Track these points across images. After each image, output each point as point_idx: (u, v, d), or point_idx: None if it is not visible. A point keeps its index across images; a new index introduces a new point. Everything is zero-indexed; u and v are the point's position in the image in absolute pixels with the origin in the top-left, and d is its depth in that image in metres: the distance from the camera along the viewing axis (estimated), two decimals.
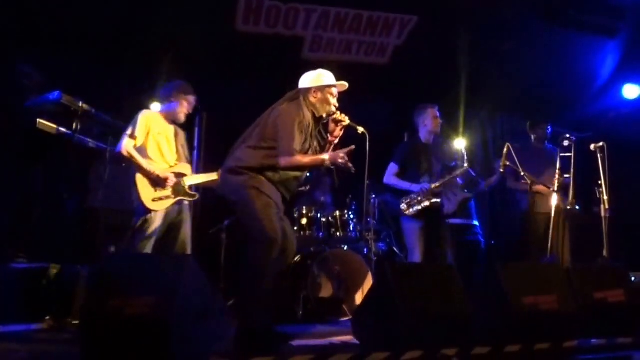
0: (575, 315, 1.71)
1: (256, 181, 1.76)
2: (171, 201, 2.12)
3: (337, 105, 1.90)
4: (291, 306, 2.58)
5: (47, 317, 2.06)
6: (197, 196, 2.23)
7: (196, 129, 3.57)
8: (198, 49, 3.27)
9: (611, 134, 3.35)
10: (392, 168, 2.60)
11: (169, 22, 3.07)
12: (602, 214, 2.76)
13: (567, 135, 2.69)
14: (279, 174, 1.80)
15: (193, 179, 2.20)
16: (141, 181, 2.10)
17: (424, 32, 3.46)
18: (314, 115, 1.86)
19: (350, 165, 1.80)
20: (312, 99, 1.87)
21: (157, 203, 2.08)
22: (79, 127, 2.43)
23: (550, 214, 2.64)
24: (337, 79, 1.93)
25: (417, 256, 2.46)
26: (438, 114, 2.61)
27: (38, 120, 2.46)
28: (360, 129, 1.87)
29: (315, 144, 1.89)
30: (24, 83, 2.63)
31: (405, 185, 2.52)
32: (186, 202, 2.24)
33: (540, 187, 2.69)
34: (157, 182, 2.10)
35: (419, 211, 2.46)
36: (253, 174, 1.78)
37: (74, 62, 3.22)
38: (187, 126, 3.50)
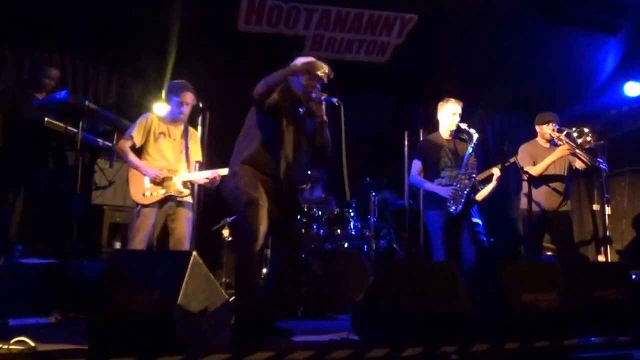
0: (575, 313, 1.71)
1: (239, 174, 1.78)
2: (160, 196, 2.19)
3: (313, 84, 1.85)
4: (292, 302, 2.61)
5: (54, 312, 2.10)
6: (188, 193, 2.28)
7: (199, 128, 3.61)
8: (201, 49, 3.30)
9: (612, 132, 3.35)
10: (416, 165, 2.50)
11: (172, 22, 3.10)
12: (604, 211, 2.76)
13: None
14: (255, 152, 1.79)
15: (184, 176, 2.27)
16: (132, 177, 2.24)
17: (424, 31, 3.47)
18: (292, 99, 1.85)
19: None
20: (294, 85, 1.88)
21: (145, 197, 2.18)
22: (85, 125, 2.48)
23: (548, 211, 2.62)
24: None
25: (441, 254, 2.37)
26: (453, 109, 2.45)
27: (46, 119, 2.51)
28: (335, 99, 1.83)
29: (297, 127, 1.86)
30: (44, 81, 2.68)
31: (430, 187, 2.43)
32: (188, 200, 2.29)
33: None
34: (149, 178, 2.20)
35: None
36: (236, 166, 1.81)
37: (80, 62, 3.26)
38: (190, 125, 3.55)
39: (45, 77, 2.69)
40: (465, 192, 2.32)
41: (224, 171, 2.22)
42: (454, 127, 2.46)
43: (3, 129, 2.63)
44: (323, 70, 1.86)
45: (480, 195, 2.54)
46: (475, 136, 2.35)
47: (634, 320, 1.83)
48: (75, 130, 2.54)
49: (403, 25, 3.47)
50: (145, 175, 2.20)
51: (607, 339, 1.69)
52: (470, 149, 2.37)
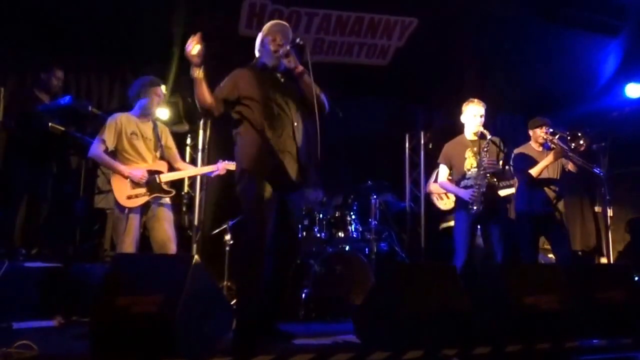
0: (577, 315, 1.71)
1: (244, 168, 1.72)
2: (146, 198, 2.16)
3: (279, 43, 1.80)
4: (293, 305, 2.60)
5: (58, 315, 2.11)
6: (173, 192, 2.25)
7: (201, 132, 3.64)
8: (202, 53, 3.31)
9: (614, 134, 3.34)
10: (443, 170, 2.50)
11: (173, 27, 3.12)
12: (606, 213, 2.75)
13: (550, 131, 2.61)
14: (253, 130, 1.72)
15: (168, 176, 2.24)
16: (115, 180, 2.17)
17: (424, 34, 3.48)
18: (267, 74, 1.80)
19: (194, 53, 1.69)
20: (261, 58, 1.83)
21: (131, 200, 2.14)
22: (88, 130, 2.49)
23: (543, 214, 2.61)
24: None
25: (462, 257, 2.30)
26: (475, 111, 2.41)
27: (50, 123, 2.53)
28: (297, 39, 1.78)
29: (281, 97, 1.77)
30: (52, 82, 2.71)
31: (454, 190, 2.43)
32: (167, 202, 2.25)
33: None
34: (132, 180, 2.14)
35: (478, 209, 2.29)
36: (243, 164, 1.75)
37: (83, 67, 3.30)
38: (193, 128, 3.57)
39: (53, 78, 2.71)
40: (482, 190, 2.31)
41: (232, 165, 2.19)
42: (477, 129, 2.42)
43: (6, 133, 2.65)
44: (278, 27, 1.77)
45: (503, 193, 2.51)
46: (488, 137, 2.37)
47: (637, 323, 1.81)
48: (79, 135, 2.57)
49: (404, 29, 3.49)
50: (129, 177, 2.13)
51: (610, 342, 1.68)
52: (484, 149, 2.37)
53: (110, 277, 1.48)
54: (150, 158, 2.23)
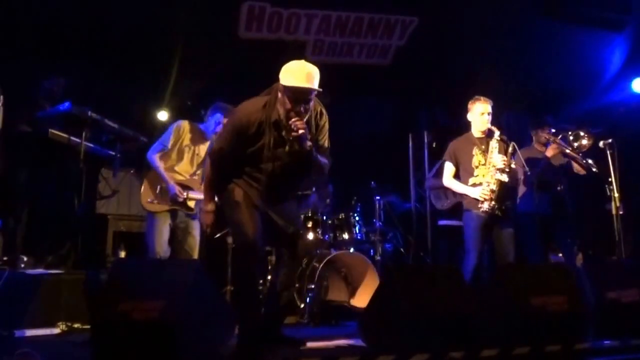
0: (587, 315, 1.67)
1: (230, 185, 1.71)
2: (165, 207, 2.32)
3: (297, 110, 1.55)
4: (298, 309, 2.59)
5: (60, 322, 2.11)
6: (194, 211, 2.37)
7: None
8: (202, 57, 3.33)
9: (621, 129, 3.29)
10: (448, 168, 2.42)
11: (174, 31, 3.14)
12: (614, 211, 2.70)
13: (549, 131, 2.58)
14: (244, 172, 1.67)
15: (195, 195, 2.35)
16: (146, 182, 2.34)
17: (425, 33, 3.46)
18: (275, 117, 1.60)
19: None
20: (280, 95, 1.58)
21: (151, 205, 2.32)
22: (88, 135, 2.52)
23: (548, 215, 2.57)
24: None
25: (472, 259, 2.23)
26: (481, 109, 2.35)
27: (50, 130, 2.55)
28: (305, 142, 1.57)
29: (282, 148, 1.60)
30: (54, 89, 2.74)
31: (461, 189, 2.35)
32: (196, 213, 2.38)
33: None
34: (170, 194, 2.31)
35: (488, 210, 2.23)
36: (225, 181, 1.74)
37: (82, 71, 3.31)
38: None
39: (55, 86, 2.76)
40: (493, 188, 2.26)
41: None
42: (484, 127, 2.36)
43: (7, 141, 2.66)
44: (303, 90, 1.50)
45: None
46: (497, 133, 2.32)
47: None
48: (79, 141, 2.58)
49: (404, 28, 3.48)
50: (167, 188, 2.29)
51: (621, 342, 1.64)
52: (493, 146, 2.32)
53: (111, 282, 1.47)
54: (188, 173, 2.37)
